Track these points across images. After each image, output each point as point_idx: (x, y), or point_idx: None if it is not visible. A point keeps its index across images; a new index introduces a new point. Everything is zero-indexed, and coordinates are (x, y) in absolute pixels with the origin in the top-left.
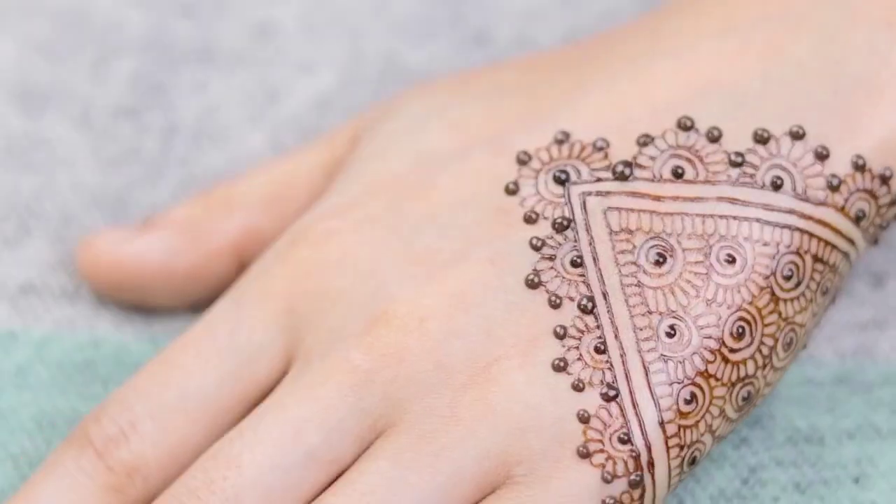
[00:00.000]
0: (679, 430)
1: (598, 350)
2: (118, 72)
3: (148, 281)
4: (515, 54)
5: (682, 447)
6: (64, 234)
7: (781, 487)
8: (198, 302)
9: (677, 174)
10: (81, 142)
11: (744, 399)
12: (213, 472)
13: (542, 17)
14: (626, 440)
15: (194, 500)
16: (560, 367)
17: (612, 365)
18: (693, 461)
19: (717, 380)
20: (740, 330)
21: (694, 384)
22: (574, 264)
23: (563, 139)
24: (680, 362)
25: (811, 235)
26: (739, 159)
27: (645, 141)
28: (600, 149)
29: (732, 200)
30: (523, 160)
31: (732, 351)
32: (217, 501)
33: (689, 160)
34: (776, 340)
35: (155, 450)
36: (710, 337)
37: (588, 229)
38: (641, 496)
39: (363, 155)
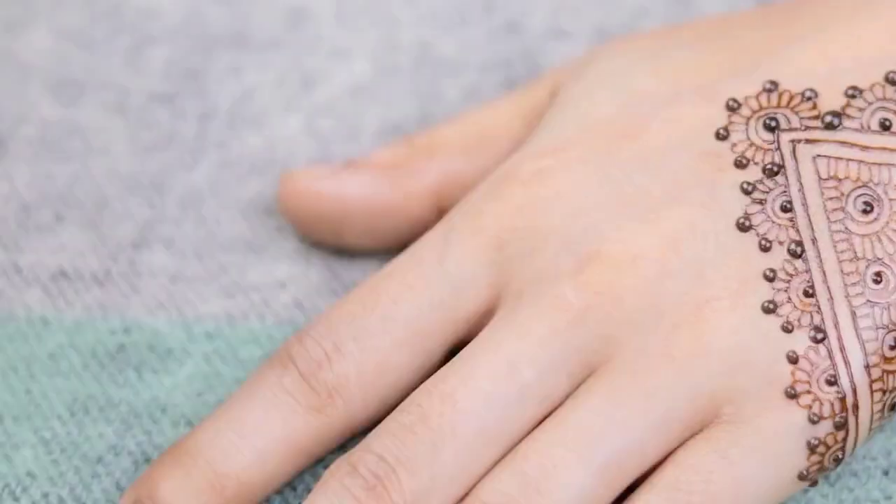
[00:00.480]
0: (883, 374)
1: (806, 293)
2: (153, 59)
3: (346, 217)
4: (546, 45)
5: (884, 392)
6: (96, 220)
7: None
8: (392, 244)
9: (885, 126)
10: (116, 129)
11: None
12: (428, 408)
13: (573, 7)
14: (832, 382)
15: (410, 435)
16: (770, 309)
17: (820, 308)
18: (893, 407)
19: None
20: None
21: None
22: (784, 209)
23: (771, 88)
24: (885, 308)
25: None
26: None
27: (853, 93)
28: (809, 99)
29: None
30: (733, 107)
31: None
32: (433, 437)
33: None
34: None
35: (358, 371)
36: None
37: (798, 176)
38: (845, 438)
39: (571, 97)
